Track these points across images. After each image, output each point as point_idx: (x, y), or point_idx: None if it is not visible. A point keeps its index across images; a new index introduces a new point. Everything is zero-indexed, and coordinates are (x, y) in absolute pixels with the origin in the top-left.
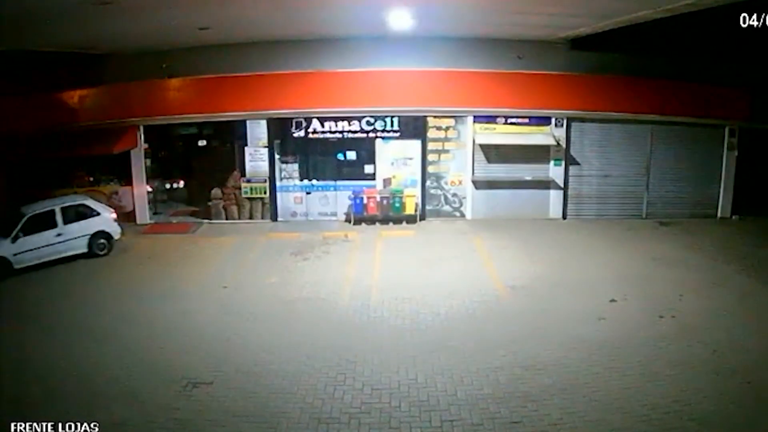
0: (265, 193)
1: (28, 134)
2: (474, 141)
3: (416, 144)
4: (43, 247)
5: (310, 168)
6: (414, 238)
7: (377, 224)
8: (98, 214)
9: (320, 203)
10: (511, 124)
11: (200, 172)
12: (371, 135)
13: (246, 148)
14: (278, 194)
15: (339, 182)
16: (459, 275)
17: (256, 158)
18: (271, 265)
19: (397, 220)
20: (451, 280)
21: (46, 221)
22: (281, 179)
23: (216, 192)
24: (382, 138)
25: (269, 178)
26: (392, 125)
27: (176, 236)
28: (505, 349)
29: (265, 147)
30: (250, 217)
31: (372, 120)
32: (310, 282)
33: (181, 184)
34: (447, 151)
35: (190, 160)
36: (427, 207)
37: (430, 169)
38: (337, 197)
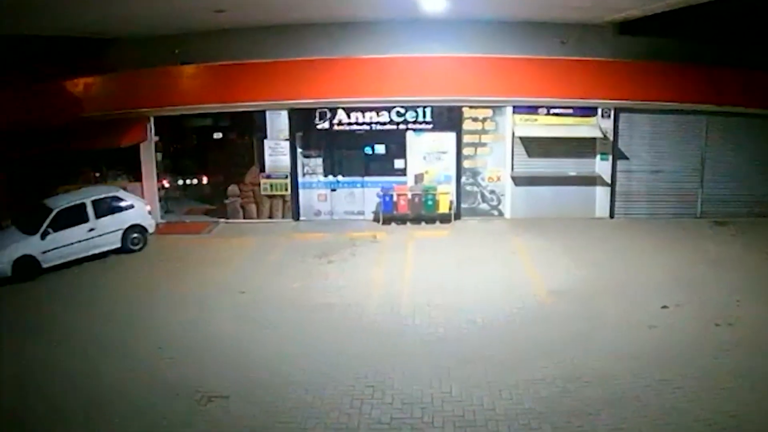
0: (286, 190)
1: (29, 127)
2: (513, 133)
3: (451, 137)
4: (74, 243)
5: (335, 163)
6: (448, 238)
7: (408, 224)
8: (132, 206)
9: (346, 201)
10: (554, 114)
11: (216, 167)
12: (402, 127)
13: (265, 141)
14: (300, 191)
15: (366, 178)
16: (497, 279)
17: (277, 152)
18: (293, 269)
19: (430, 220)
20: (488, 285)
21: (77, 215)
22: (304, 175)
23: (233, 189)
24: (414, 130)
25: (291, 173)
26: (424, 116)
27: (190, 237)
28: (547, 360)
29: (287, 140)
30: (270, 217)
31: (402, 110)
32: (336, 286)
33: (195, 180)
34: (484, 145)
35: (204, 154)
36: (463, 205)
37: (466, 164)
38: (365, 195)
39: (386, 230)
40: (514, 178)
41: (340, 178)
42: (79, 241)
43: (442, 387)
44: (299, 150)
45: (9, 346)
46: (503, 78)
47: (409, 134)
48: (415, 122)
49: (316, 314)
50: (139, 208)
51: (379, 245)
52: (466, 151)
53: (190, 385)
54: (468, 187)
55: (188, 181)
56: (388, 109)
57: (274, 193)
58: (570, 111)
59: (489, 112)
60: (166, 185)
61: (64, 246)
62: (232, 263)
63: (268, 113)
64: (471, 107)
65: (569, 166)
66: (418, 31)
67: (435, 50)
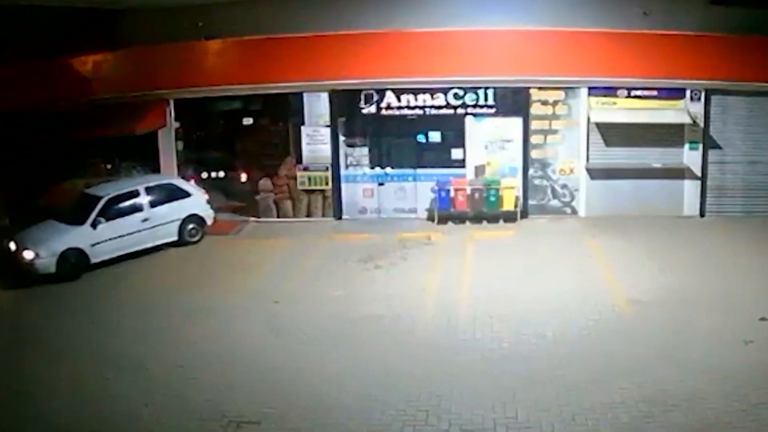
0: (326, 184)
1: (28, 112)
2: (589, 119)
3: (516, 122)
4: (126, 235)
5: (383, 153)
6: (513, 240)
7: (467, 223)
8: (189, 194)
9: (396, 197)
10: (636, 97)
11: (245, 157)
12: (460, 111)
13: (303, 127)
14: (343, 186)
15: (419, 171)
16: (570, 287)
17: (316, 140)
18: (334, 275)
19: (493, 218)
20: (559, 293)
21: (129, 204)
22: (347, 167)
23: (265, 183)
24: (474, 115)
25: (332, 165)
26: (486, 99)
27: (216, 238)
28: (628, 380)
29: (327, 126)
30: (308, 215)
31: (461, 92)
32: (383, 295)
33: (221, 173)
34: (555, 132)
35: (232, 142)
36: (530, 201)
37: (534, 153)
38: (417, 189)
39: (442, 230)
40: (589, 171)
41: (388, 170)
42: (132, 233)
43: (506, 411)
44: (342, 138)
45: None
46: (577, 54)
47: (469, 120)
48: (475, 106)
49: (360, 327)
50: (197, 197)
51: (433, 248)
52: (534, 139)
53: (216, 409)
54: (536, 181)
55: (213, 174)
56: (445, 91)
57: (313, 187)
58: (654, 93)
59: (561, 95)
60: (187, 178)
61: (116, 238)
62: (264, 268)
63: (305, 96)
64: (540, 88)
65: (653, 157)
66: (478, 1)
67: (499, 23)
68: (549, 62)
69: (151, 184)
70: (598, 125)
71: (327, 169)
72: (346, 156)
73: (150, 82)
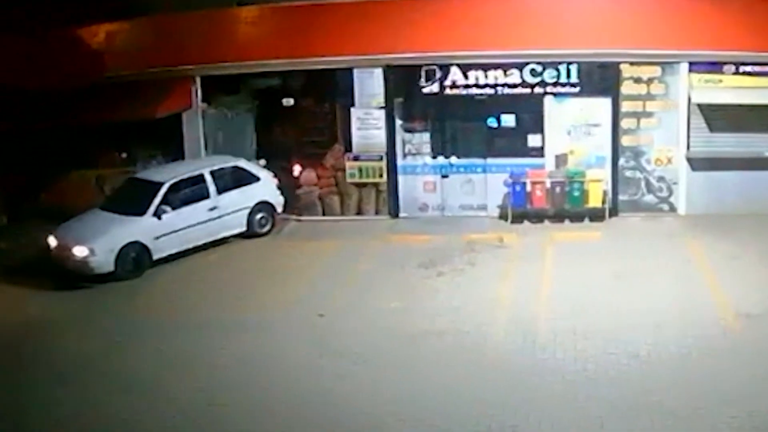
0: (380, 176)
1: (29, 92)
2: (690, 99)
3: (604, 104)
4: (193, 226)
5: (448, 139)
6: (601, 242)
7: (546, 222)
8: (258, 179)
9: (462, 191)
10: (745, 74)
11: (285, 144)
12: (538, 90)
13: (353, 110)
14: (400, 178)
15: (490, 161)
16: (667, 298)
17: (368, 125)
18: (390, 283)
19: (576, 217)
20: (655, 306)
21: (194, 190)
22: (405, 156)
23: (309, 175)
24: (555, 95)
25: (387, 154)
26: (569, 76)
27: (249, 240)
28: (737, 407)
29: (381, 108)
30: (359, 212)
31: (539, 68)
32: (448, 308)
33: (258, 162)
34: (650, 115)
35: (269, 127)
36: (621, 197)
37: (625, 140)
38: (488, 182)
39: (516, 231)
40: (690, 161)
41: (453, 160)
42: (199, 223)
43: None
44: (399, 122)
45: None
46: (676, 23)
47: (548, 100)
48: (556, 84)
49: (421, 345)
50: (267, 181)
51: (506, 251)
52: (625, 123)
53: None
54: (628, 173)
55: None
56: (520, 67)
57: (364, 180)
58: (767, 69)
59: (657, 71)
60: None
61: (182, 229)
62: (308, 275)
63: (356, 72)
64: (632, 63)
65: (765, 144)
66: None
67: None
68: (643, 32)
69: (216, 167)
70: (701, 107)
71: (381, 158)
72: (404, 143)
73: (172, 56)
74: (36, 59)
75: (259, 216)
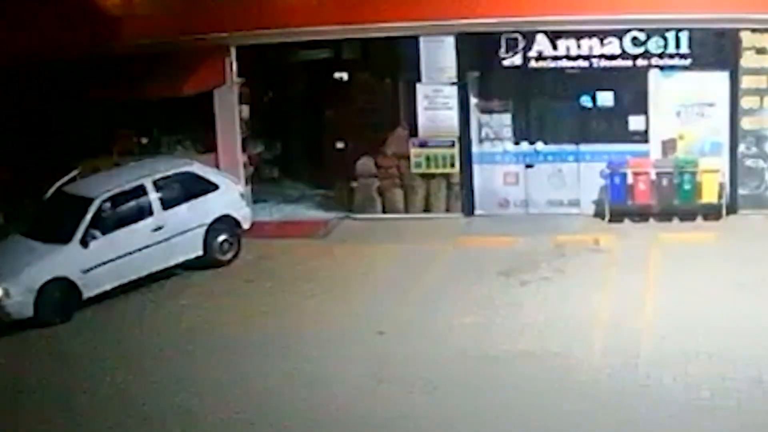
0: (452, 166)
1: (32, 64)
2: None
3: (721, 79)
4: (133, 253)
5: (533, 122)
6: (717, 245)
7: (651, 221)
8: (216, 187)
9: (550, 184)
10: None
11: (336, 128)
12: (641, 63)
13: (419, 86)
14: (476, 168)
15: (583, 147)
16: None
17: (437, 104)
18: (463, 294)
19: (687, 214)
20: None
21: (133, 207)
22: (481, 142)
23: (366, 164)
24: (661, 68)
25: (460, 139)
26: (678, 46)
27: (295, 242)
28: None
29: (454, 85)
30: (426, 209)
31: (643, 36)
32: (533, 324)
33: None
34: None
35: (318, 106)
36: (741, 191)
37: (746, 123)
38: (581, 173)
39: (615, 231)
40: None
41: (539, 146)
42: (141, 249)
43: None
44: (474, 101)
45: None
46: None
47: (654, 75)
48: (662, 55)
49: (502, 368)
50: (227, 189)
51: (603, 256)
52: (745, 102)
53: None
54: (749, 162)
55: (291, 152)
56: (620, 35)
57: (433, 171)
58: None
59: None
60: (255, 157)
61: (119, 258)
62: (364, 286)
63: (422, 41)
64: (754, 31)
65: None
66: None
67: None
68: None
69: (161, 175)
70: None
71: (453, 144)
72: (481, 126)
73: (203, 23)
74: (40, 26)
75: (219, 238)
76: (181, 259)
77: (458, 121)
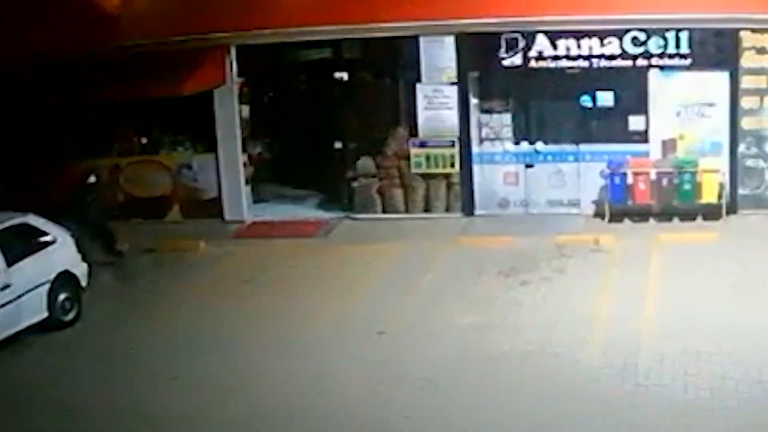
0: (452, 166)
1: (30, 64)
2: None
3: (721, 79)
4: None
5: (533, 122)
6: (717, 245)
7: (651, 221)
8: (53, 240)
9: (550, 184)
10: None
11: (337, 127)
12: (641, 63)
13: (419, 86)
14: (476, 168)
15: (583, 147)
16: None
17: (437, 104)
18: (463, 295)
19: (687, 215)
20: None
21: None
22: (481, 142)
23: (366, 164)
24: (661, 68)
25: (460, 139)
26: (679, 45)
27: (295, 242)
28: None
29: (454, 84)
30: (426, 209)
31: (643, 36)
32: (533, 324)
33: (302, 148)
34: None
35: (318, 107)
36: (741, 191)
37: (746, 123)
38: (581, 173)
39: (615, 231)
40: None
41: (539, 146)
42: None
43: None
44: (474, 101)
45: None
46: None
47: (654, 75)
48: (662, 55)
49: (501, 369)
50: (64, 242)
51: (603, 257)
52: (746, 102)
53: None
54: (749, 162)
55: (291, 151)
56: (620, 34)
57: (433, 170)
58: None
59: None
60: (255, 157)
61: None
62: (364, 286)
63: (422, 41)
64: (754, 30)
65: None
66: None
67: None
68: None
69: (4, 225)
70: None
71: (453, 144)
72: (481, 126)
73: (203, 23)
74: (36, 24)
75: (61, 296)
76: (27, 323)
77: (458, 121)
